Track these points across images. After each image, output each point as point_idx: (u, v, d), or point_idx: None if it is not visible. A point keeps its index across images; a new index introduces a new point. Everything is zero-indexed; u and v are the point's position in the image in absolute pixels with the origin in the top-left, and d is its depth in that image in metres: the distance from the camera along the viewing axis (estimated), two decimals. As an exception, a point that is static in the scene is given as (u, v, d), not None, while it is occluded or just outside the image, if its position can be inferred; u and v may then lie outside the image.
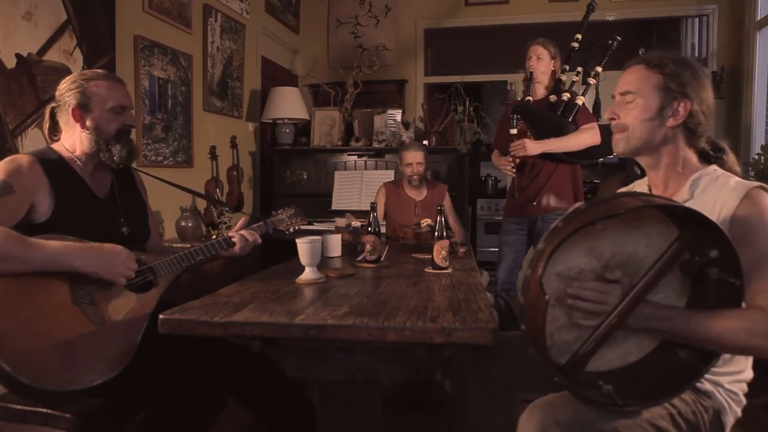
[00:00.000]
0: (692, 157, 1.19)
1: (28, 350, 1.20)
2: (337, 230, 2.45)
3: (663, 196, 1.12)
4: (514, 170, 2.62)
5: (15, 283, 1.23)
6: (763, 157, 3.14)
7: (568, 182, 2.69)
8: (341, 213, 3.61)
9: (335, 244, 2.13)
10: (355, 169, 4.07)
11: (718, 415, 1.11)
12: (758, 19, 3.82)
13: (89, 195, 1.51)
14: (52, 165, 1.44)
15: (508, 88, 4.45)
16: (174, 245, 2.60)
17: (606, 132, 2.52)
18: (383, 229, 2.65)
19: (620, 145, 1.22)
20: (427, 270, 1.80)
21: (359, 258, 1.97)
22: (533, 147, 2.55)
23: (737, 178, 1.11)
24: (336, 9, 4.87)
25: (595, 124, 2.60)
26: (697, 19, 4.50)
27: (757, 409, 2.03)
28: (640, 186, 1.33)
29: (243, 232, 1.67)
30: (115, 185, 1.60)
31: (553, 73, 2.69)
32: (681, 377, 1.02)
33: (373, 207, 1.98)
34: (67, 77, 1.51)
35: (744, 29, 3.98)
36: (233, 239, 1.64)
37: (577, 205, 1.04)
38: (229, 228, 2.93)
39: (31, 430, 1.28)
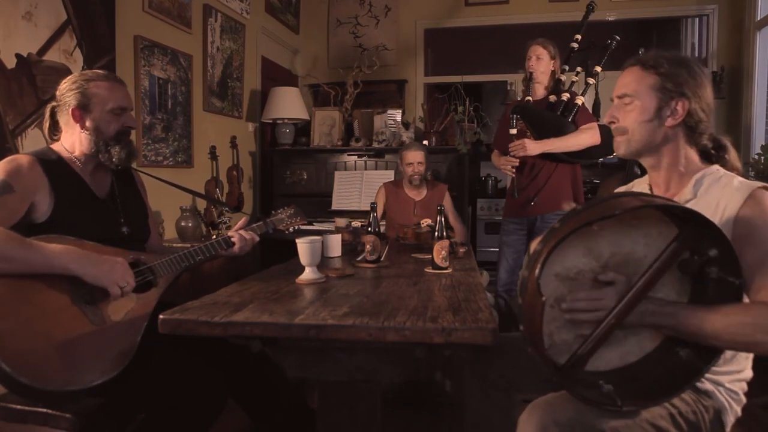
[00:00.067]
0: (694, 156, 1.19)
1: (28, 350, 1.20)
2: (337, 230, 2.45)
3: (662, 196, 1.12)
4: (514, 170, 2.61)
5: (15, 284, 1.23)
6: (763, 157, 3.14)
7: (568, 182, 2.69)
8: (341, 213, 3.62)
9: (335, 244, 2.13)
10: (355, 169, 4.07)
11: (718, 414, 1.11)
12: (758, 19, 3.82)
13: (89, 195, 1.51)
14: (52, 165, 1.44)
15: (508, 88, 4.45)
16: (174, 245, 2.60)
17: (606, 132, 2.53)
18: (383, 229, 2.65)
19: (621, 147, 1.23)
20: (427, 270, 1.80)
21: (359, 258, 1.97)
22: (533, 147, 2.55)
23: (740, 179, 1.11)
24: (336, 9, 4.87)
25: (594, 124, 2.60)
26: (697, 19, 4.50)
27: (757, 408, 2.03)
28: (639, 185, 1.33)
29: (242, 231, 1.67)
30: (115, 185, 1.60)
31: (553, 73, 2.69)
32: (681, 377, 1.02)
33: (373, 207, 1.98)
34: (68, 77, 1.51)
35: (744, 29, 3.98)
36: (233, 239, 1.64)
37: (573, 205, 1.05)
38: (229, 228, 2.93)
39: (31, 430, 1.28)
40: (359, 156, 4.11)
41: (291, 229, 1.86)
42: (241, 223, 1.72)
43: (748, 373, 1.15)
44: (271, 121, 4.13)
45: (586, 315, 1.03)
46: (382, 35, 4.77)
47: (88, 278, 1.30)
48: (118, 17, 2.58)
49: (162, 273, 1.49)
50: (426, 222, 2.54)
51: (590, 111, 2.74)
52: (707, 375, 1.05)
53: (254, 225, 1.76)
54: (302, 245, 1.56)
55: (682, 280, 1.04)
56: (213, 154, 3.28)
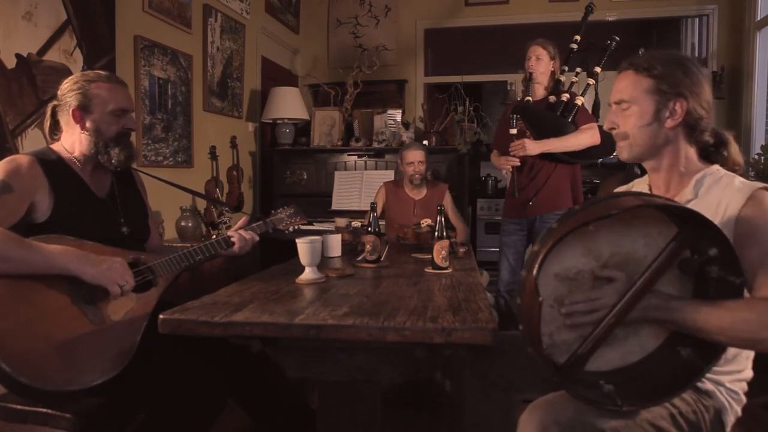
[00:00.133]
0: (694, 155, 1.18)
1: (27, 350, 1.20)
2: (337, 230, 2.45)
3: (662, 196, 1.12)
4: (515, 167, 2.61)
5: (14, 284, 1.23)
6: (763, 157, 3.14)
7: (567, 182, 2.69)
8: (341, 213, 3.62)
9: (335, 244, 2.13)
10: (355, 169, 4.07)
11: (719, 414, 1.11)
12: (758, 19, 3.82)
13: (89, 195, 1.51)
14: (52, 165, 1.44)
15: (508, 88, 4.45)
16: (174, 245, 2.60)
17: (605, 132, 2.52)
18: (383, 230, 2.64)
19: (624, 152, 1.23)
20: (427, 270, 1.80)
21: (359, 258, 1.97)
22: (533, 147, 2.55)
23: (741, 179, 1.11)
24: (336, 9, 4.87)
25: (594, 124, 2.60)
26: (697, 19, 4.49)
27: (757, 408, 2.03)
28: (639, 185, 1.33)
29: (241, 231, 1.67)
30: (114, 185, 1.60)
31: (553, 73, 2.69)
32: (682, 377, 1.02)
33: (373, 207, 1.98)
34: (70, 77, 1.51)
35: (744, 29, 3.98)
36: (232, 239, 1.64)
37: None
38: (229, 228, 2.93)
39: (31, 430, 1.28)
40: (359, 156, 4.11)
41: (291, 229, 1.86)
42: (240, 222, 1.72)
43: (749, 373, 1.15)
44: (271, 121, 4.13)
45: (585, 317, 1.03)
46: (382, 35, 4.78)
47: (87, 278, 1.30)
48: (118, 17, 2.58)
49: (162, 273, 1.49)
50: (426, 222, 2.54)
51: (590, 111, 2.74)
52: (708, 375, 1.05)
53: (254, 225, 1.76)
54: (302, 245, 1.56)
55: (683, 279, 1.04)
56: (213, 154, 3.28)
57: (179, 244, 2.67)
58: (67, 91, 1.47)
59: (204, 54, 3.37)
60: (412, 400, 2.27)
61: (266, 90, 4.15)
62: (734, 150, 1.19)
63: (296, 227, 1.88)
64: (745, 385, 1.15)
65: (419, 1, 4.72)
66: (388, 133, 4.14)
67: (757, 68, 3.81)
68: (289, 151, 4.16)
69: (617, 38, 2.70)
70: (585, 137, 2.56)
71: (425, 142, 3.83)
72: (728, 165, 1.19)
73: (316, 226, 3.60)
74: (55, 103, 1.51)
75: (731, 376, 1.12)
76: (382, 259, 1.96)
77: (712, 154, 1.19)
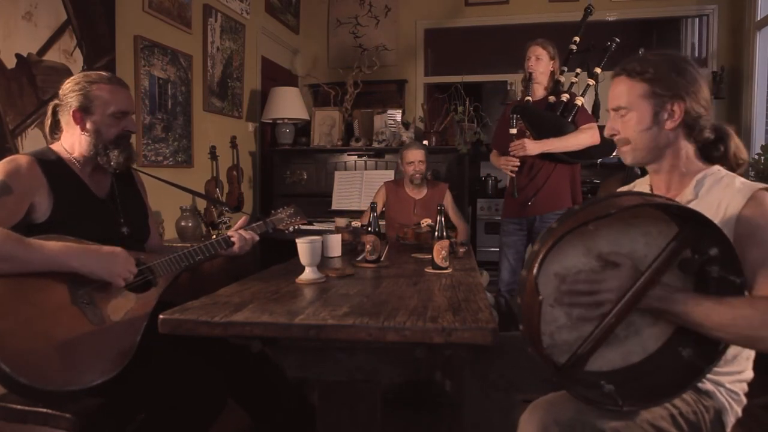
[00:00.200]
0: (695, 155, 1.18)
1: (27, 350, 1.20)
2: (337, 230, 2.45)
3: (662, 195, 1.12)
4: (516, 168, 2.61)
5: (14, 283, 1.23)
6: (763, 157, 3.14)
7: (567, 183, 2.69)
8: (341, 213, 3.62)
9: (335, 244, 2.13)
10: (355, 169, 4.07)
11: (719, 414, 1.11)
12: (758, 19, 3.82)
13: (89, 195, 1.51)
14: (51, 165, 1.44)
15: (508, 88, 4.45)
16: (174, 245, 2.60)
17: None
18: (382, 229, 2.64)
19: (628, 157, 1.23)
20: (427, 270, 1.80)
21: (359, 258, 1.97)
22: (533, 147, 2.55)
23: (742, 179, 1.11)
24: (336, 9, 4.87)
25: (594, 124, 2.60)
26: (697, 19, 4.50)
27: (757, 408, 2.03)
28: (641, 185, 1.33)
29: (241, 231, 1.67)
30: (114, 185, 1.60)
31: (552, 73, 2.69)
32: (683, 377, 1.02)
33: (373, 207, 1.97)
34: (72, 77, 1.51)
35: (744, 29, 3.98)
36: (232, 238, 1.64)
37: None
38: (229, 228, 2.93)
39: (31, 430, 1.28)
40: (359, 156, 4.11)
41: (291, 229, 1.86)
42: (240, 222, 1.72)
43: (749, 374, 1.15)
44: (271, 121, 4.13)
45: (584, 298, 1.02)
46: (382, 35, 4.78)
47: (89, 273, 1.30)
48: (118, 17, 2.58)
49: (161, 273, 1.49)
50: (426, 222, 2.54)
51: (590, 112, 2.74)
52: (708, 375, 1.05)
53: (254, 224, 1.76)
54: (302, 245, 1.56)
55: (684, 279, 1.03)
56: (213, 154, 3.28)
57: (179, 244, 2.66)
58: (69, 92, 1.47)
59: (204, 54, 3.37)
60: (412, 400, 2.27)
61: (266, 90, 4.15)
62: (735, 143, 1.18)
63: (296, 227, 1.88)
64: (745, 386, 1.15)
65: (419, 1, 4.72)
66: (388, 133, 4.14)
67: (757, 68, 3.81)
68: (289, 151, 4.16)
69: (617, 40, 2.70)
70: (585, 137, 2.56)
71: (425, 142, 3.83)
72: (731, 160, 1.18)
73: (316, 226, 3.60)
74: (56, 102, 1.51)
75: (731, 377, 1.12)
76: (382, 259, 1.96)
77: (713, 150, 1.19)
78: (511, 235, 2.77)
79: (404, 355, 1.22)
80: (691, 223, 0.98)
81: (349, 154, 4.12)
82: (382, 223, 2.90)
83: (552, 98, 2.65)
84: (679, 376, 1.02)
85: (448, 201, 2.89)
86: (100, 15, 2.47)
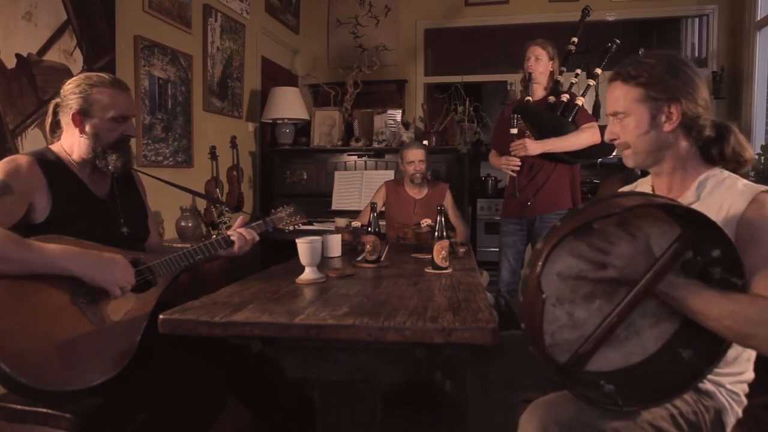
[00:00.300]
0: (696, 156, 1.18)
1: (27, 350, 1.20)
2: (337, 230, 2.45)
3: (664, 196, 1.12)
4: (517, 168, 2.61)
5: (14, 284, 1.23)
6: (763, 157, 3.14)
7: (567, 183, 2.69)
8: (341, 213, 3.62)
9: (335, 244, 2.13)
10: (355, 169, 4.07)
11: (719, 415, 1.11)
12: (758, 19, 3.82)
13: (88, 195, 1.51)
14: (51, 165, 1.44)
15: (508, 88, 4.45)
16: (174, 245, 2.60)
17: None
18: (382, 229, 2.64)
19: (630, 161, 1.23)
20: (427, 270, 1.80)
21: (359, 258, 1.97)
22: (534, 147, 2.55)
23: (744, 181, 1.10)
24: (336, 9, 4.87)
25: (594, 124, 2.60)
26: (697, 19, 4.50)
27: (757, 409, 2.03)
28: (642, 185, 1.33)
29: (241, 230, 1.67)
30: (114, 186, 1.60)
31: (552, 74, 2.69)
32: (684, 378, 1.02)
33: (373, 207, 1.97)
34: (74, 78, 1.50)
35: (744, 29, 3.98)
36: (232, 237, 1.64)
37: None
38: (229, 228, 2.93)
39: (31, 430, 1.28)
40: (359, 156, 4.11)
41: (291, 228, 1.86)
42: (239, 221, 1.71)
43: (750, 375, 1.15)
44: (271, 121, 4.13)
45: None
46: (382, 35, 4.78)
47: (87, 279, 1.30)
48: (118, 17, 2.58)
49: (161, 272, 1.49)
50: (426, 222, 2.54)
51: (590, 113, 2.74)
52: (709, 376, 1.05)
53: (254, 224, 1.76)
54: (302, 245, 1.56)
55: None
56: (213, 154, 3.28)
57: (179, 245, 2.66)
58: (69, 93, 1.47)
59: (204, 54, 3.37)
60: (412, 400, 2.27)
61: (266, 90, 4.15)
62: (737, 140, 1.16)
63: (296, 226, 1.88)
64: (745, 387, 1.15)
65: (419, 1, 4.72)
66: (388, 133, 4.14)
67: (757, 68, 3.81)
68: (289, 151, 4.16)
69: (618, 41, 2.70)
70: (585, 136, 2.56)
71: (425, 142, 3.83)
72: (731, 158, 1.16)
73: (316, 226, 3.61)
74: (57, 100, 1.51)
75: (732, 378, 1.12)
76: (382, 259, 1.96)
77: (713, 147, 1.18)
78: (511, 235, 2.77)
79: (404, 355, 1.22)
80: (693, 225, 0.98)
81: (349, 154, 4.12)
82: (382, 223, 2.90)
83: (552, 98, 2.65)
84: (679, 377, 1.02)
85: (448, 202, 2.89)
86: (100, 15, 2.47)
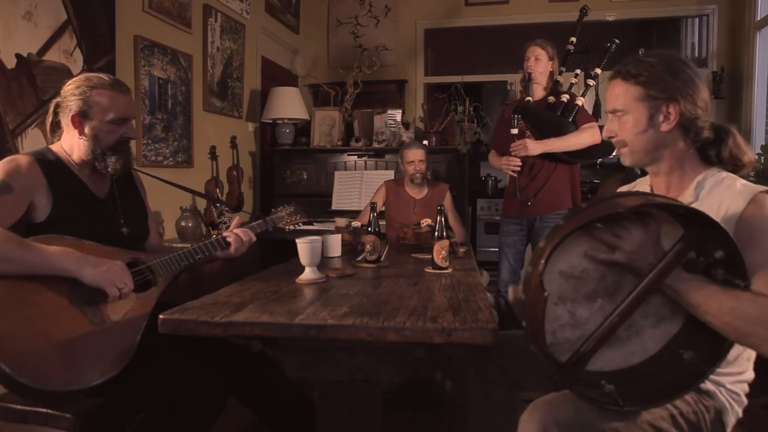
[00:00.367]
0: (694, 157, 1.18)
1: (27, 350, 1.20)
2: (337, 230, 2.45)
3: (665, 196, 1.12)
4: (518, 168, 2.61)
5: (14, 284, 1.23)
6: (763, 157, 3.14)
7: (567, 183, 2.69)
8: (341, 213, 3.62)
9: (335, 244, 2.13)
10: (355, 169, 4.07)
11: (719, 415, 1.11)
12: (758, 19, 3.82)
13: (88, 195, 1.51)
14: (51, 165, 1.44)
15: (508, 88, 4.45)
16: (174, 245, 2.60)
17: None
18: (382, 229, 2.64)
19: (627, 159, 1.23)
20: (427, 270, 1.80)
21: (359, 258, 1.97)
22: (534, 147, 2.55)
23: (743, 181, 1.10)
24: (336, 9, 4.87)
25: (595, 124, 2.60)
26: (697, 19, 4.50)
27: (757, 408, 2.03)
28: (641, 185, 1.33)
29: (237, 231, 1.66)
30: (114, 186, 1.60)
31: (551, 74, 2.69)
32: (685, 379, 1.02)
33: (373, 207, 1.97)
34: (74, 79, 1.50)
35: (744, 29, 3.98)
36: (228, 239, 1.63)
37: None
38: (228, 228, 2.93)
39: (31, 430, 1.28)
40: (359, 156, 4.11)
41: (291, 227, 1.86)
42: (235, 222, 1.71)
43: (750, 375, 1.15)
44: (271, 121, 4.13)
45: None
46: (382, 35, 4.78)
47: (86, 280, 1.30)
48: (118, 17, 2.58)
49: (161, 272, 1.49)
50: (426, 222, 2.54)
51: (590, 112, 2.74)
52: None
53: (254, 223, 1.76)
54: (302, 245, 1.56)
55: None
56: (213, 154, 3.28)
57: (179, 245, 2.66)
58: (69, 94, 1.46)
59: (204, 54, 3.37)
60: (412, 400, 2.27)
61: (266, 90, 4.15)
62: (735, 143, 1.16)
63: (296, 226, 1.88)
64: (746, 387, 1.15)
65: (419, 1, 4.72)
66: (388, 133, 4.14)
67: (757, 68, 3.81)
68: (289, 151, 4.16)
69: (617, 41, 2.70)
70: (586, 136, 2.56)
71: (425, 142, 3.83)
72: (728, 161, 1.16)
73: (316, 226, 3.60)
74: (58, 99, 1.50)
75: (732, 378, 1.12)
76: (382, 259, 1.96)
77: (712, 150, 1.18)
78: (511, 236, 2.77)
79: (404, 355, 1.22)
80: (696, 225, 0.98)
81: (349, 154, 4.12)
82: (382, 223, 2.89)
83: (551, 98, 2.65)
84: (680, 377, 1.02)
85: (447, 203, 2.89)
86: (100, 15, 2.47)
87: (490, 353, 1.37)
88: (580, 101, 2.63)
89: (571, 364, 1.04)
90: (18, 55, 2.06)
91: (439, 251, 1.78)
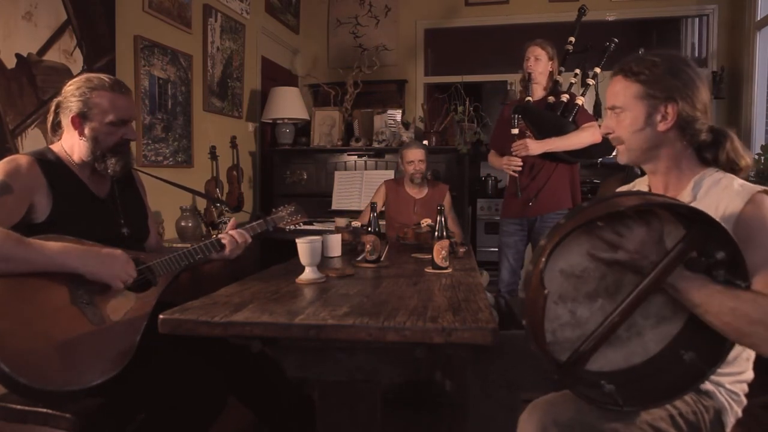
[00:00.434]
0: (692, 157, 1.18)
1: (27, 350, 1.20)
2: (337, 230, 2.45)
3: (665, 195, 1.12)
4: (519, 168, 2.61)
5: (14, 284, 1.23)
6: (763, 157, 3.14)
7: (567, 182, 2.69)
8: (341, 213, 3.62)
9: (335, 244, 2.13)
10: (355, 169, 4.07)
11: (718, 415, 1.11)
12: (758, 19, 3.82)
13: (88, 195, 1.51)
14: (51, 165, 1.44)
15: (508, 88, 4.46)
16: (174, 245, 2.60)
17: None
18: (382, 229, 2.64)
19: (623, 157, 1.24)
20: (427, 270, 1.80)
21: (359, 258, 1.97)
22: (535, 146, 2.56)
23: (741, 181, 1.10)
24: (336, 9, 4.87)
25: (595, 123, 2.60)
26: (697, 19, 4.50)
27: (757, 408, 2.03)
28: (641, 185, 1.33)
29: (233, 232, 1.66)
30: (114, 186, 1.60)
31: (551, 74, 2.70)
32: (685, 379, 1.02)
33: (373, 207, 1.97)
34: (75, 79, 1.50)
35: (744, 29, 3.98)
36: (223, 241, 1.63)
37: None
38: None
39: (31, 430, 1.28)
40: (359, 156, 4.11)
41: (291, 227, 1.86)
42: (231, 224, 1.70)
43: (749, 375, 1.15)
44: (271, 121, 4.13)
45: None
46: (382, 35, 4.78)
47: (89, 274, 1.30)
48: (118, 17, 2.58)
49: (161, 272, 1.49)
50: (426, 222, 2.54)
51: (590, 112, 2.75)
52: (708, 375, 1.05)
53: (254, 223, 1.75)
54: (302, 245, 1.56)
55: None
56: (213, 154, 3.28)
57: (179, 245, 2.66)
58: (69, 95, 1.46)
59: (204, 54, 3.37)
60: (412, 400, 2.27)
61: (266, 90, 4.15)
62: (732, 147, 1.16)
63: (297, 226, 1.88)
64: (745, 387, 1.15)
65: (419, 1, 4.72)
66: (388, 133, 4.14)
67: (757, 68, 3.81)
68: (289, 151, 4.16)
69: (616, 40, 2.70)
70: (586, 135, 2.56)
71: (425, 142, 3.83)
72: (725, 164, 1.16)
73: (316, 226, 3.61)
74: (59, 99, 1.50)
75: (732, 378, 1.12)
76: (382, 259, 1.96)
77: (709, 152, 1.18)
78: (511, 236, 2.77)
79: (404, 355, 1.22)
80: (698, 225, 0.98)
81: (349, 154, 4.12)
82: (382, 223, 2.89)
83: (551, 98, 2.65)
84: (680, 378, 1.02)
85: (447, 204, 2.89)
86: (100, 15, 2.47)
87: (490, 353, 1.37)
88: (579, 101, 2.63)
89: (570, 363, 1.04)
90: (18, 55, 2.06)
91: (439, 251, 1.78)
